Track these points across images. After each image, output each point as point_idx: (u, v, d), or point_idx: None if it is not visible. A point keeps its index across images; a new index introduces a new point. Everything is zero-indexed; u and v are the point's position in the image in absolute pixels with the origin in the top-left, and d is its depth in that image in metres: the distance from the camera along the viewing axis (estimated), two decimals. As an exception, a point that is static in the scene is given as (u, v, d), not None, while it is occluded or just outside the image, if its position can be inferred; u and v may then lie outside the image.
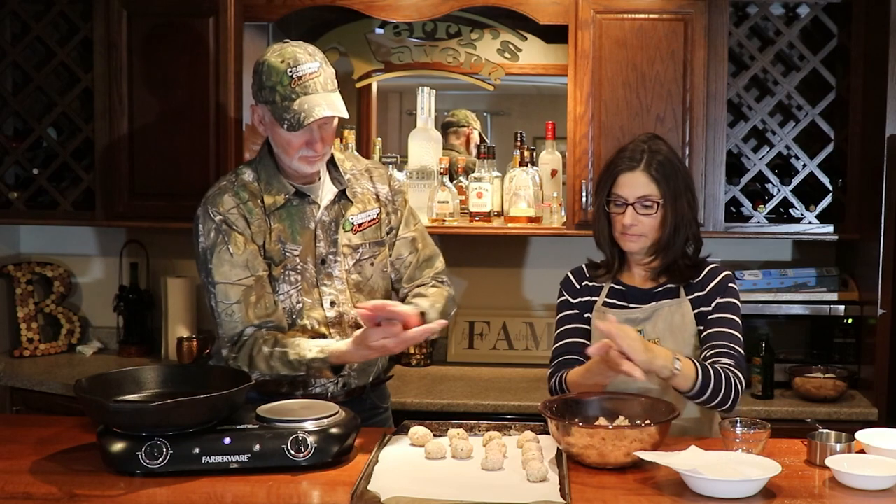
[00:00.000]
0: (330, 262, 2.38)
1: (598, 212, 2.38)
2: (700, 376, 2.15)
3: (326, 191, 2.40)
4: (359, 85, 3.79)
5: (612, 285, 2.40)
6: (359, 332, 2.22)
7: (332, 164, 2.42)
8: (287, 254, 2.35)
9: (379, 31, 3.77)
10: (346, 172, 2.44)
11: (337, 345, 2.26)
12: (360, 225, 2.42)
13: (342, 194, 2.41)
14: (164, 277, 3.80)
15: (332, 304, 2.38)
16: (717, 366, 2.21)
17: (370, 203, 2.45)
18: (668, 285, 2.36)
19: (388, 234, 2.49)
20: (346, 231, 2.40)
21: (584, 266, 2.47)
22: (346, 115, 2.28)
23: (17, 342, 3.81)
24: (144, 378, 2.17)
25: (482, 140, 3.86)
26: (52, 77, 3.64)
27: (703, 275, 2.37)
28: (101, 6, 3.48)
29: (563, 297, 2.45)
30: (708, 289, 2.34)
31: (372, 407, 2.50)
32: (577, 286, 2.44)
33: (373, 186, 2.47)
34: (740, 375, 2.23)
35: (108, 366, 3.59)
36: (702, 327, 2.33)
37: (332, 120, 2.30)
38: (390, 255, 2.50)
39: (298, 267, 2.36)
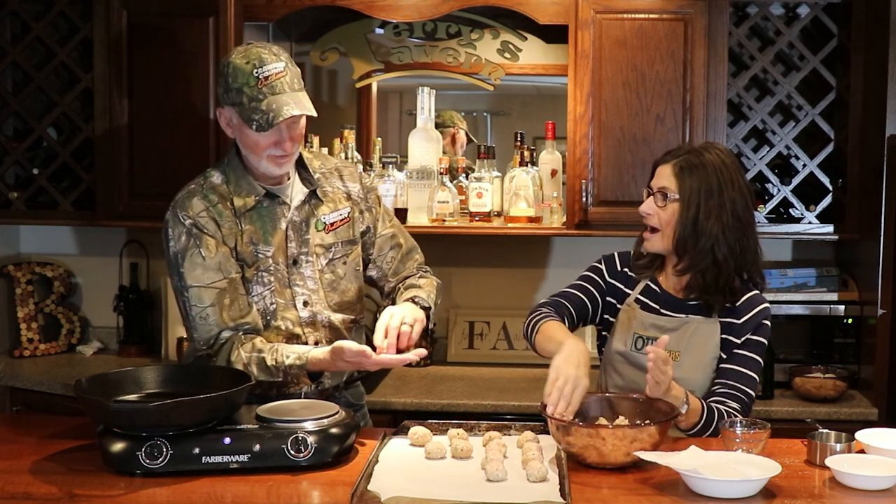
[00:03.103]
0: (302, 261, 2.38)
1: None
2: (703, 421, 2.16)
3: (296, 191, 2.40)
4: (359, 85, 3.79)
5: (649, 283, 2.39)
6: (336, 343, 2.21)
7: (300, 165, 2.42)
8: (259, 255, 2.34)
9: (379, 31, 3.77)
10: (315, 172, 2.44)
11: (315, 352, 2.25)
12: (332, 224, 2.43)
13: (312, 194, 2.41)
14: (164, 277, 3.79)
15: (305, 303, 2.38)
16: (722, 409, 2.20)
17: (341, 202, 2.45)
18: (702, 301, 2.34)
19: (363, 232, 2.50)
20: (318, 231, 2.40)
21: (631, 252, 2.44)
22: (314, 113, 2.27)
23: (17, 342, 3.81)
24: (144, 378, 2.17)
25: (469, 139, 3.85)
26: (52, 77, 3.64)
27: (741, 301, 2.32)
28: (101, 6, 3.48)
29: (600, 267, 2.45)
30: (743, 319, 2.30)
31: (347, 405, 2.45)
32: (618, 268, 2.43)
33: (343, 185, 2.47)
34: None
35: (108, 366, 3.59)
36: (724, 355, 2.30)
37: (299, 119, 2.29)
38: (371, 253, 2.52)
39: (271, 268, 2.36)
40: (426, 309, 2.41)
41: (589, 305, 2.41)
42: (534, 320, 2.33)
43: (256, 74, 2.22)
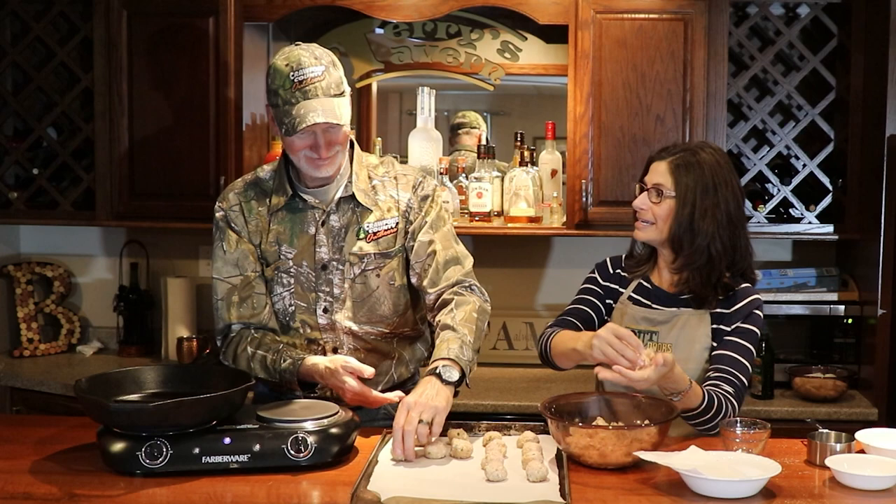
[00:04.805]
0: (332, 268, 2.34)
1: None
2: (703, 405, 2.16)
3: (336, 197, 2.35)
4: (359, 85, 3.79)
5: (641, 281, 2.41)
6: (341, 357, 2.21)
7: (350, 169, 2.36)
8: (281, 256, 2.34)
9: (379, 31, 3.77)
10: (375, 178, 2.39)
11: (313, 359, 2.23)
12: (374, 233, 2.36)
13: (354, 201, 2.34)
14: (164, 277, 3.80)
15: (326, 310, 2.35)
16: (718, 393, 2.20)
17: (391, 212, 2.38)
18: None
19: (405, 238, 2.40)
20: (358, 238, 2.35)
21: (623, 256, 2.49)
22: (340, 121, 2.21)
23: (17, 342, 3.82)
24: (144, 378, 2.17)
25: (487, 142, 3.84)
26: (52, 77, 3.64)
27: (731, 293, 2.34)
28: (101, 6, 3.48)
29: (594, 275, 2.49)
30: (733, 309, 2.32)
31: (387, 417, 2.41)
32: (610, 271, 2.47)
33: (396, 194, 2.40)
34: (736, 406, 2.23)
35: (108, 366, 3.59)
36: (716, 344, 2.31)
37: (336, 125, 2.24)
38: (411, 256, 2.40)
39: (292, 270, 2.34)
40: (454, 382, 2.16)
41: (592, 314, 2.43)
42: (544, 340, 2.37)
43: (292, 78, 2.20)
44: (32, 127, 3.65)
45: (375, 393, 2.21)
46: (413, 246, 2.39)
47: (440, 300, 2.36)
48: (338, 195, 2.34)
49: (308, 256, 2.34)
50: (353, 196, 2.34)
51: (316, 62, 2.22)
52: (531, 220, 3.44)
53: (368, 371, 2.19)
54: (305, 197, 2.34)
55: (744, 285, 2.35)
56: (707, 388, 2.21)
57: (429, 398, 2.08)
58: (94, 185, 3.56)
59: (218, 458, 1.93)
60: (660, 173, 2.32)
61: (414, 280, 2.42)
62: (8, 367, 3.61)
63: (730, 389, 2.23)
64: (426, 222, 2.39)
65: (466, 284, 2.38)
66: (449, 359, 2.17)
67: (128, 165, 3.50)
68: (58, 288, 3.90)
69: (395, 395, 2.21)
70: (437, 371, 2.14)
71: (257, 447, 1.95)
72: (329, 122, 2.21)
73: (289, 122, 2.21)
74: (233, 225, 2.34)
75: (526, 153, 3.47)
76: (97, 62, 3.51)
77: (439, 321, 2.30)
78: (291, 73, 2.20)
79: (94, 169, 3.56)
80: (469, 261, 2.44)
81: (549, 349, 2.35)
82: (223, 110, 3.43)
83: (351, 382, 2.17)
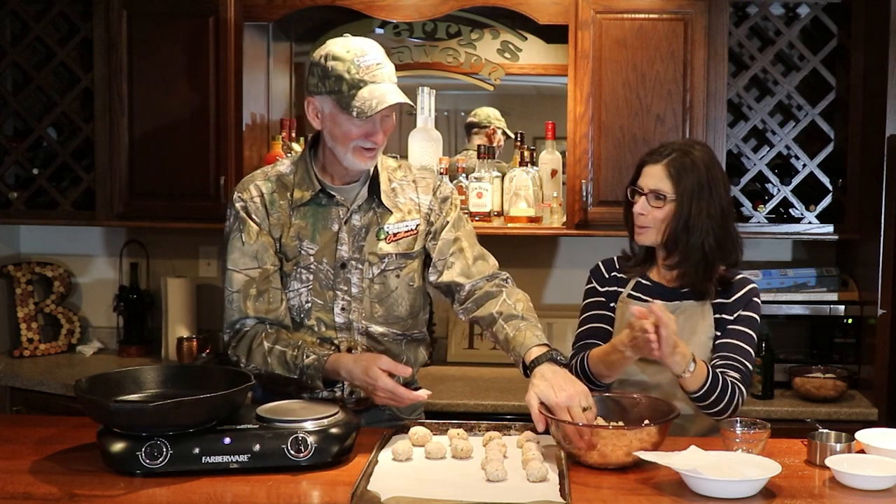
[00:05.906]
0: (351, 267, 2.34)
1: (626, 203, 2.41)
2: (709, 382, 2.18)
3: (360, 196, 2.35)
4: (359, 85, 3.79)
5: (640, 279, 2.42)
6: (370, 355, 2.20)
7: (374, 170, 2.37)
8: (302, 251, 2.32)
9: (379, 31, 3.77)
10: (394, 181, 2.39)
11: (338, 356, 2.23)
12: (395, 235, 2.36)
13: (377, 202, 2.35)
14: (164, 277, 3.80)
15: (343, 309, 2.34)
16: (726, 377, 2.23)
17: (410, 214, 2.38)
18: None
19: (426, 239, 2.41)
20: (379, 239, 2.35)
21: (615, 258, 2.49)
22: (412, 104, 2.25)
23: (17, 342, 3.82)
24: (144, 378, 2.17)
25: (507, 136, 3.82)
26: (52, 77, 3.64)
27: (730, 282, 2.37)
28: (101, 6, 3.49)
29: (591, 285, 2.48)
30: (733, 298, 2.35)
31: (392, 418, 2.42)
32: (606, 276, 2.47)
33: (416, 197, 2.40)
34: (744, 391, 2.27)
35: (108, 366, 3.59)
36: (719, 333, 2.34)
37: (392, 114, 2.27)
38: (433, 255, 2.41)
39: (312, 266, 2.33)
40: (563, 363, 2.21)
41: (607, 327, 2.43)
42: (577, 364, 2.35)
43: (358, 63, 2.20)
44: (32, 127, 3.65)
45: (407, 391, 2.18)
46: (435, 245, 2.40)
47: (478, 292, 2.37)
48: (363, 194, 2.35)
49: (329, 254, 2.33)
50: (376, 196, 2.35)
51: (374, 50, 2.25)
52: (531, 220, 3.44)
53: (407, 371, 2.19)
54: (333, 193, 2.33)
55: (740, 275, 2.38)
56: (717, 372, 2.23)
57: (568, 384, 2.11)
58: (94, 185, 3.56)
59: (218, 458, 1.93)
60: (657, 177, 2.32)
61: (433, 277, 2.41)
62: (8, 367, 3.61)
63: (736, 376, 2.26)
64: (448, 222, 2.41)
65: (504, 277, 2.42)
66: (546, 345, 2.22)
67: (128, 165, 3.51)
68: (58, 288, 3.90)
69: (424, 393, 2.21)
70: (552, 357, 2.19)
71: (257, 447, 1.95)
72: (407, 103, 2.23)
73: (362, 105, 2.19)
74: (253, 216, 2.32)
75: (526, 153, 3.47)
76: (97, 62, 3.51)
77: (500, 312, 2.32)
78: (356, 59, 2.21)
79: (94, 169, 3.56)
80: (493, 260, 2.46)
81: (587, 369, 2.31)
82: (223, 110, 3.43)
83: (386, 381, 2.15)
